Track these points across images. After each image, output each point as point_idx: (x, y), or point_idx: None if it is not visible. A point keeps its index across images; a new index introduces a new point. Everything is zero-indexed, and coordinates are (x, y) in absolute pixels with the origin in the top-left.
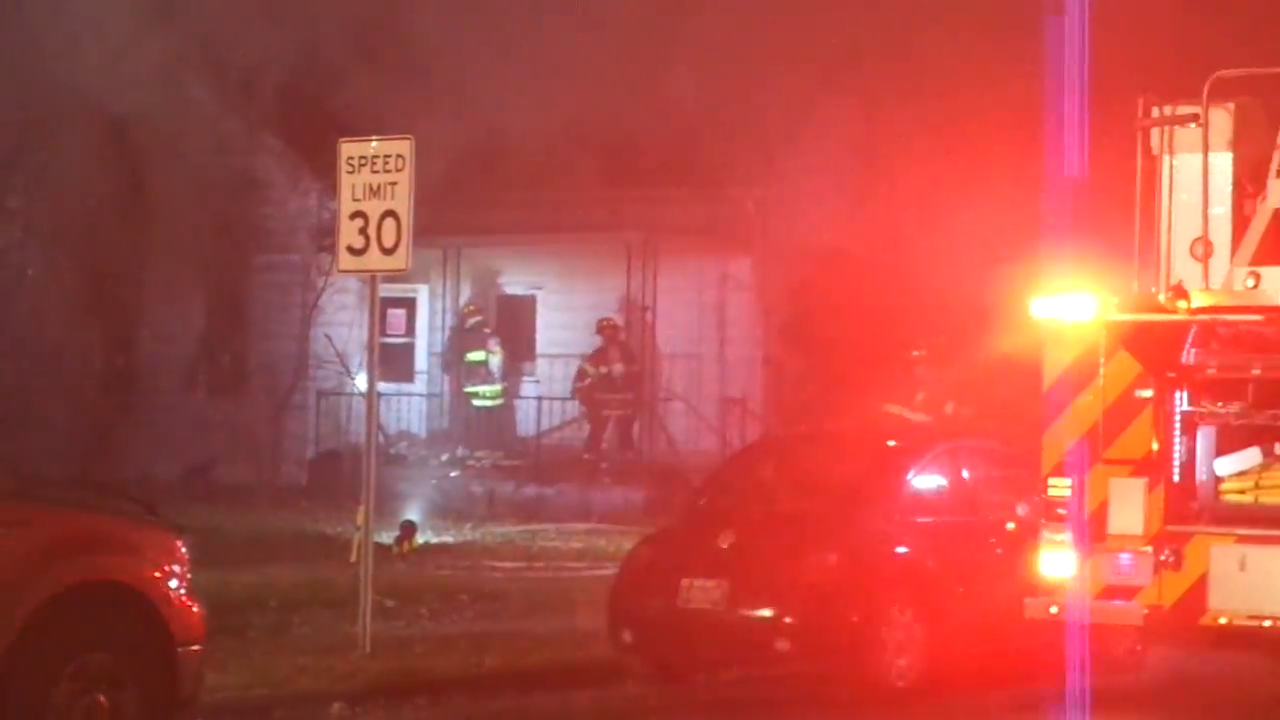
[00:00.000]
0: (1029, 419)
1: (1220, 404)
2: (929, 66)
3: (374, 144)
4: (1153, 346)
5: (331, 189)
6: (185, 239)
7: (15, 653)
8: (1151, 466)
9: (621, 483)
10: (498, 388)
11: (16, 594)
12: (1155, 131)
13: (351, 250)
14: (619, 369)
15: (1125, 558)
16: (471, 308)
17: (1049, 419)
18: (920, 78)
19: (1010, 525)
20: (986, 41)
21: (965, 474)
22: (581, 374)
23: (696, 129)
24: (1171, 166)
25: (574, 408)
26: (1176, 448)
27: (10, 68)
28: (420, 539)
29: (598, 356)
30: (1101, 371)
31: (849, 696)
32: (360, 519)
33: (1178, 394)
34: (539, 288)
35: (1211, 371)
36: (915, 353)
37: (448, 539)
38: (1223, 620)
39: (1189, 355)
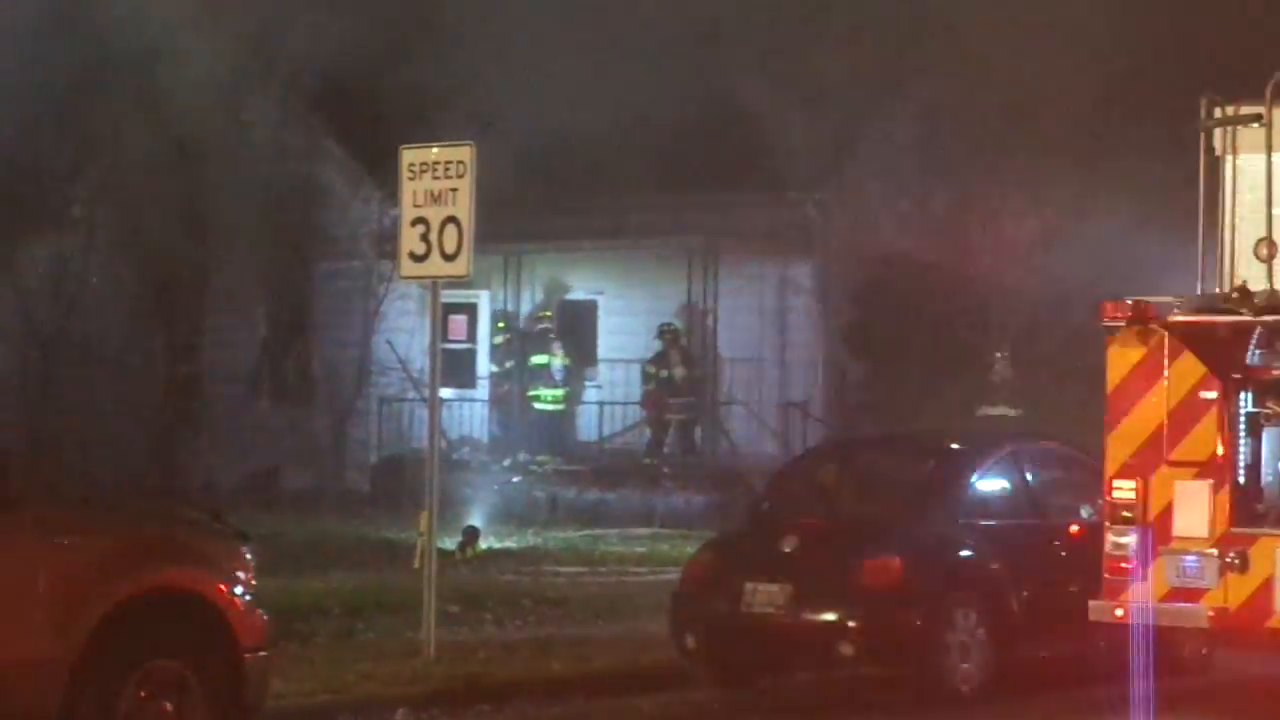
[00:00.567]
0: (1097, 421)
1: None
2: (995, 63)
3: (435, 150)
4: (1217, 347)
5: (393, 195)
6: (247, 247)
7: (84, 660)
8: (1216, 468)
9: (683, 487)
10: (560, 392)
11: (86, 602)
12: (1218, 132)
13: (413, 256)
14: (680, 373)
15: (1190, 560)
16: (544, 313)
17: (1113, 421)
18: (986, 75)
19: (1075, 528)
20: (1054, 37)
21: (1030, 476)
22: (647, 379)
23: (758, 132)
24: (1235, 167)
25: (635, 412)
26: (1241, 449)
27: (73, 77)
28: (483, 544)
29: (658, 361)
30: (1166, 373)
31: (913, 701)
32: (423, 525)
33: (1242, 395)
34: (600, 293)
35: (1276, 372)
36: (998, 355)
37: (510, 544)
38: None
39: (1254, 356)
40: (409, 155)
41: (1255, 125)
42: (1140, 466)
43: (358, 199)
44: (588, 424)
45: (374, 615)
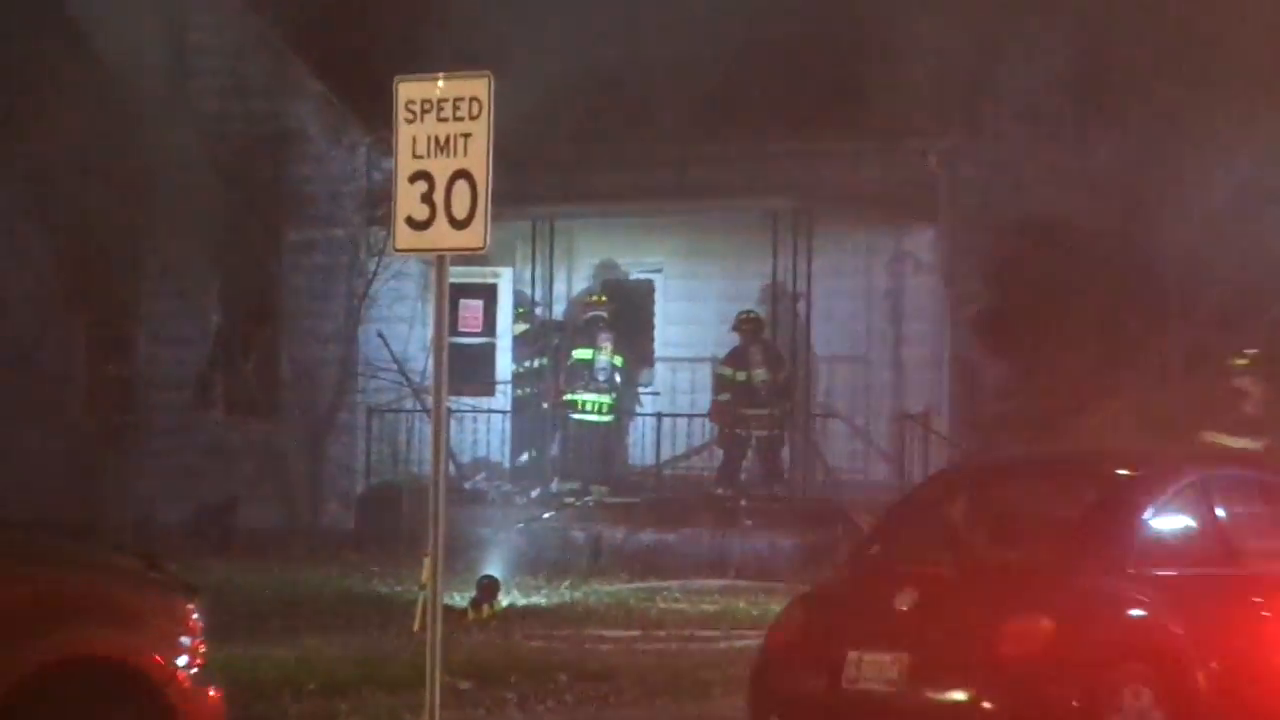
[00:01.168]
0: None
1: None
2: None
3: (441, 83)
4: None
5: (386, 143)
6: (195, 210)
7: None
8: None
9: (767, 525)
10: (607, 398)
11: None
12: None
13: (412, 223)
14: (762, 376)
15: None
16: (597, 298)
17: None
18: None
19: None
20: None
21: (1222, 513)
22: (720, 383)
23: (865, 62)
24: None
25: (704, 427)
26: None
27: None
28: (504, 600)
29: (734, 360)
30: None
31: None
32: (426, 574)
33: None
34: (657, 271)
35: None
36: (1238, 361)
37: (540, 600)
38: None
39: None
40: (407, 90)
41: None
42: None
43: (340, 148)
44: (641, 442)
45: (362, 693)
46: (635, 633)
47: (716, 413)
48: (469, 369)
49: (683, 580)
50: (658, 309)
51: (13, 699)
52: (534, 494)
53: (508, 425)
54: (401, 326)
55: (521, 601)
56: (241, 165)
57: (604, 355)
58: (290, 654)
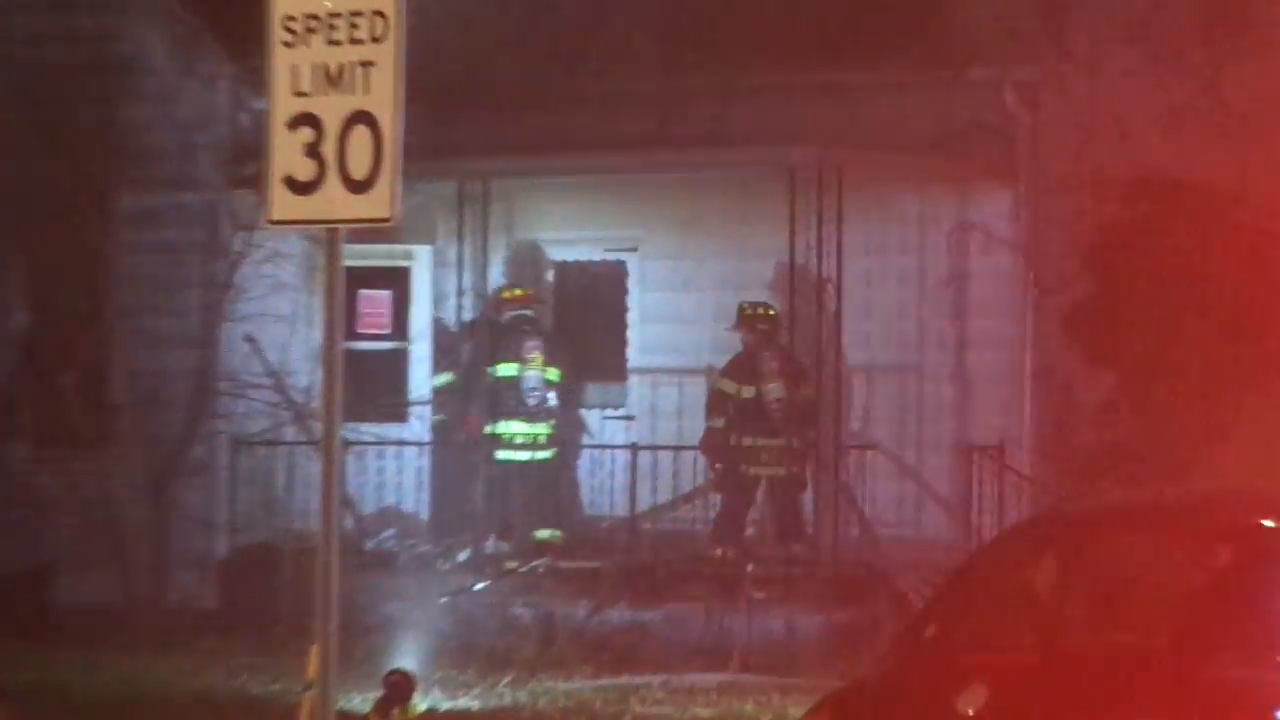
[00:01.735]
0: None
1: None
2: None
3: None
4: None
5: (254, 75)
6: None
7: None
8: None
9: (782, 599)
10: (544, 428)
11: None
12: None
13: (293, 185)
14: (775, 393)
15: None
16: (520, 291)
17: None
18: None
19: None
20: None
21: None
22: (718, 403)
23: None
24: None
25: (694, 464)
26: None
27: None
28: (421, 704)
29: (738, 371)
30: None
31: None
32: (313, 668)
33: None
34: (631, 250)
35: None
36: None
37: (470, 703)
38: None
39: None
40: (284, 2)
41: None
42: None
43: (193, 82)
44: (609, 486)
45: None
46: None
47: (712, 444)
48: (373, 385)
49: (667, 675)
50: (632, 302)
51: None
52: (462, 556)
53: (426, 462)
54: (279, 328)
55: (445, 705)
56: (58, 104)
57: (533, 369)
58: None
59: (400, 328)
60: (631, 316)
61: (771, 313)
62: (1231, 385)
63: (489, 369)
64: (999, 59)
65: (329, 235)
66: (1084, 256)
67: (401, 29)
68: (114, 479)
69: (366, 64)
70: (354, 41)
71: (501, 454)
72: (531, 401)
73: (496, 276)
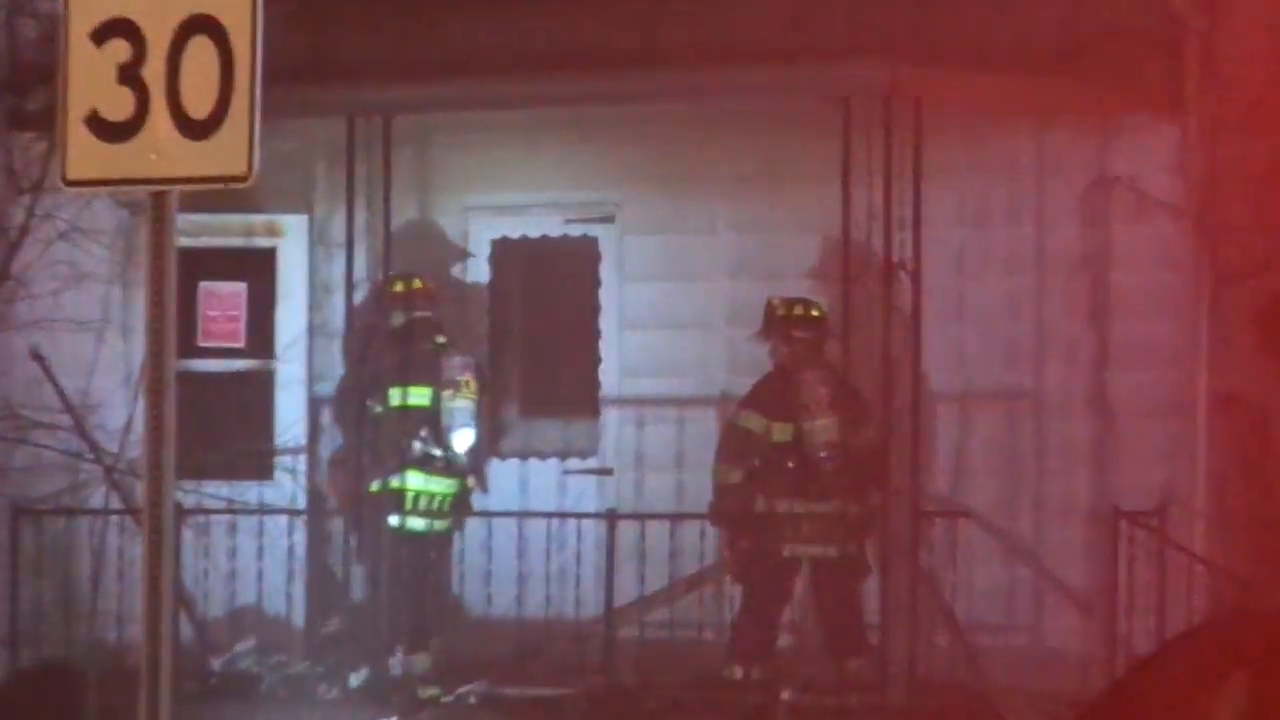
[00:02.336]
0: None
1: None
2: None
3: None
4: None
5: None
6: None
7: None
8: None
9: None
10: (452, 484)
11: None
12: None
13: (99, 128)
14: (823, 432)
15: None
16: (417, 284)
17: None
18: None
19: None
20: None
21: None
22: (737, 445)
23: None
24: None
25: (702, 539)
26: None
27: None
28: None
29: (768, 399)
30: None
31: None
32: None
33: None
34: (604, 220)
35: None
36: None
37: None
38: None
39: None
40: None
41: None
42: None
43: None
44: (572, 570)
45: None
46: None
47: (729, 511)
48: (224, 424)
49: None
50: (607, 298)
51: None
52: (355, 679)
53: (301, 538)
54: (81, 340)
55: None
56: None
57: (464, 399)
58: None
59: (262, 339)
60: (606, 319)
61: (815, 314)
62: None
63: (386, 394)
64: None
65: (155, 202)
66: None
67: None
68: None
69: None
70: None
71: (401, 522)
72: (453, 438)
73: (406, 260)
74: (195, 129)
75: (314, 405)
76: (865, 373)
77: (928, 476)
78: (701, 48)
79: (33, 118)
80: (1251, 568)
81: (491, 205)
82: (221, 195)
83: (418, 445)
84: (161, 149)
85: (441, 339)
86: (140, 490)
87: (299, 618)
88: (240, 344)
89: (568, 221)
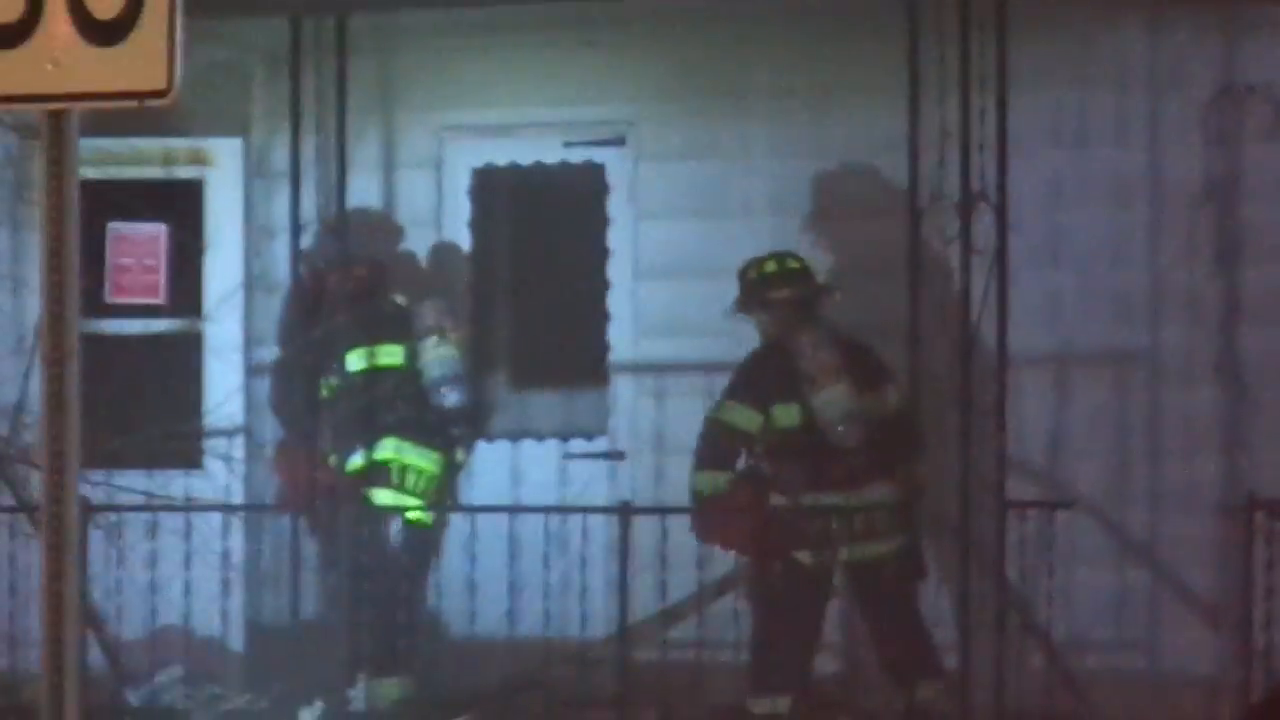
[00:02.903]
0: None
1: None
2: None
3: None
4: None
5: None
6: None
7: None
8: None
9: None
10: (436, 459)
11: None
12: None
13: None
14: (836, 404)
15: None
16: (356, 270)
17: None
18: None
19: None
20: None
21: None
22: (719, 443)
23: None
24: None
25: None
26: None
27: None
28: None
29: (758, 380)
30: None
31: None
32: None
33: None
34: (613, 143)
35: None
36: None
37: None
38: None
39: None
40: None
41: None
42: None
43: None
44: (577, 577)
45: None
46: None
47: (714, 518)
48: (140, 400)
49: None
50: (616, 238)
51: None
52: (307, 716)
53: (239, 540)
54: None
55: None
56: None
57: (448, 347)
58: None
59: (187, 293)
60: (616, 266)
61: (794, 265)
62: None
63: (343, 361)
64: None
65: (52, 124)
66: None
67: None
68: None
69: None
70: None
71: (409, 504)
72: (451, 402)
73: (362, 195)
74: (102, 32)
75: (252, 375)
76: (934, 327)
77: (1004, 455)
78: None
79: None
80: None
81: (472, 126)
82: (135, 116)
83: (399, 408)
84: (60, 57)
85: (401, 298)
86: (37, 483)
87: (236, 640)
88: (160, 300)
89: (567, 145)
